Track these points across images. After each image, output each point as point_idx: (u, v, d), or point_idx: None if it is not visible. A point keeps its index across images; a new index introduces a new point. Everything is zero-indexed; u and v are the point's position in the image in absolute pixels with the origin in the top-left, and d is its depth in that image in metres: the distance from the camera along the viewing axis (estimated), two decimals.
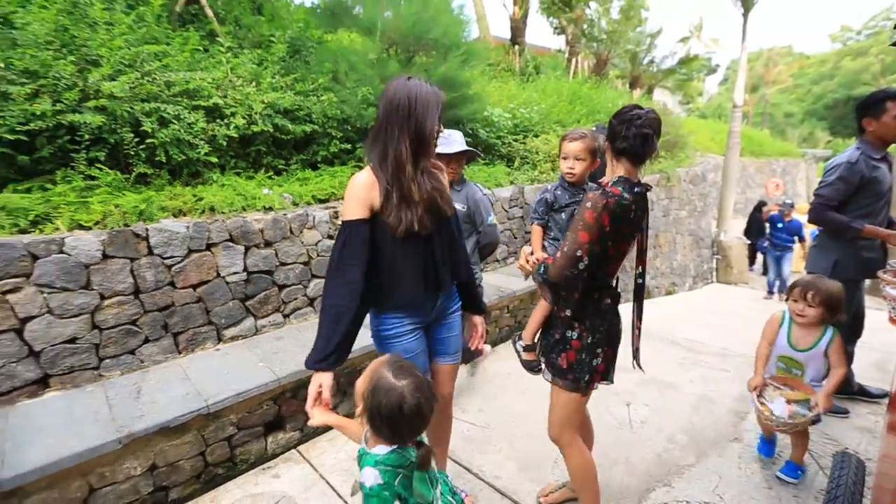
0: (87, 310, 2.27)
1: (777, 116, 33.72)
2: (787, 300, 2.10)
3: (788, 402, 1.98)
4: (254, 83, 3.48)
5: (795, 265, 6.93)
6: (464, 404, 2.89)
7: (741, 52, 11.81)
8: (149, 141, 2.72)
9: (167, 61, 3.02)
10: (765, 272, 7.82)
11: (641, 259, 1.68)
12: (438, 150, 1.96)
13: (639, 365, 1.78)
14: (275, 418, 2.44)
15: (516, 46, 10.17)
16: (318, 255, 3.13)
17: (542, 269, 1.54)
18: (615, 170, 1.54)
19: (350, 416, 1.39)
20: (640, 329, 1.75)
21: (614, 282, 1.65)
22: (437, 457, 1.81)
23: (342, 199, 2.97)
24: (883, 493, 1.21)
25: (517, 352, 1.84)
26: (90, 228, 2.36)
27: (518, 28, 10.33)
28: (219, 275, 2.69)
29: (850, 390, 2.75)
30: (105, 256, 2.31)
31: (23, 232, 2.23)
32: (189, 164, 2.97)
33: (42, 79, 2.50)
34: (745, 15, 11.53)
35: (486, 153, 5.22)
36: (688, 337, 4.09)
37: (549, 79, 9.05)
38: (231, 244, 2.72)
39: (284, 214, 2.98)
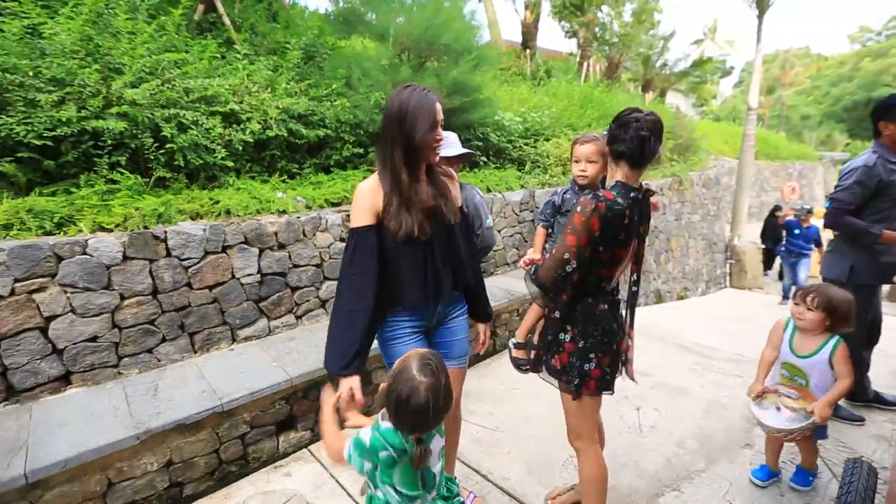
0: (108, 309, 2.35)
1: (794, 119, 33.16)
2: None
3: (785, 408, 1.93)
4: (269, 89, 3.56)
5: (813, 271, 6.80)
6: (474, 407, 2.91)
7: (756, 55, 11.67)
8: (168, 146, 2.80)
9: (186, 69, 3.12)
10: (780, 278, 7.70)
11: (637, 266, 1.65)
12: None
13: (630, 377, 1.74)
14: (287, 418, 2.49)
15: (527, 50, 10.20)
16: (330, 258, 3.18)
17: (533, 269, 1.55)
18: (614, 174, 1.53)
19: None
20: (632, 338, 1.71)
21: (612, 287, 1.61)
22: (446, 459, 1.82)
23: None
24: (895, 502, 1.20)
25: (509, 349, 1.84)
26: (111, 230, 2.43)
27: (529, 32, 10.36)
28: (234, 276, 2.75)
29: (865, 398, 2.70)
30: (125, 258, 2.39)
31: (48, 234, 2.31)
32: (206, 168, 3.05)
33: (68, 86, 2.59)
34: (760, 17, 11.40)
35: (496, 157, 5.25)
36: (700, 342, 4.05)
37: (560, 82, 9.06)
38: (246, 246, 2.78)
39: (298, 217, 3.03)
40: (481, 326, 1.85)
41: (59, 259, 2.21)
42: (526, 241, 4.74)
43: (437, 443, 1.24)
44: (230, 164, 3.11)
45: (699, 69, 15.84)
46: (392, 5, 4.69)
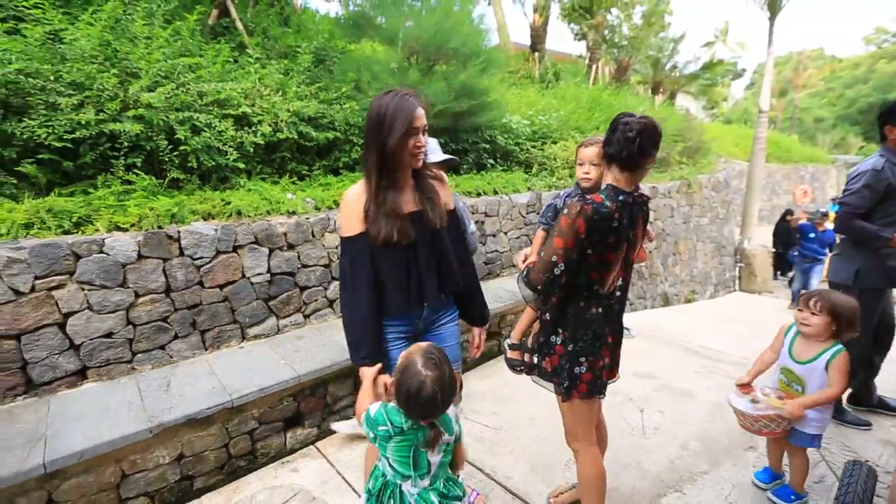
0: (123, 306, 2.42)
1: (807, 121, 32.73)
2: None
3: (762, 402, 1.93)
4: (280, 92, 3.63)
5: (825, 276, 6.70)
6: (478, 407, 2.94)
7: (767, 57, 11.58)
8: (182, 148, 2.88)
9: (200, 73, 3.20)
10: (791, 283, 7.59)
11: (624, 271, 1.61)
12: None
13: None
14: (294, 414, 2.54)
15: (536, 53, 10.22)
16: (338, 258, 3.24)
17: (526, 272, 1.56)
18: (606, 177, 1.54)
19: None
20: (613, 341, 1.68)
21: (606, 291, 1.58)
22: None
23: None
24: None
25: (504, 350, 1.86)
26: (127, 230, 2.51)
27: (538, 35, 10.38)
28: (244, 275, 2.81)
29: (870, 402, 2.68)
30: (140, 256, 2.46)
31: (66, 233, 2.39)
32: (218, 169, 3.12)
33: (87, 90, 2.68)
34: (772, 19, 11.31)
35: (504, 159, 5.28)
36: (706, 345, 4.04)
37: (568, 85, 9.06)
38: (256, 246, 2.85)
39: (307, 218, 3.09)
40: (476, 330, 1.84)
41: (77, 257, 2.28)
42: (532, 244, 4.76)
43: (444, 437, 1.29)
44: (241, 165, 3.18)
45: (710, 71, 15.68)
46: (402, 9, 4.76)
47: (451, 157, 2.41)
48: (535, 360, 1.72)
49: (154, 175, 2.86)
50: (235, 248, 2.78)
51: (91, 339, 2.34)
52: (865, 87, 33.95)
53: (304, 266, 3.09)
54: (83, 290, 2.30)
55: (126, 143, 2.73)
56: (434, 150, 2.29)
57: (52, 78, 2.64)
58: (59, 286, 2.24)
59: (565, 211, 1.46)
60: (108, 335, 2.39)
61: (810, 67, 33.10)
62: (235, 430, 2.32)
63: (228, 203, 2.91)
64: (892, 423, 2.64)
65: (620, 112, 1.51)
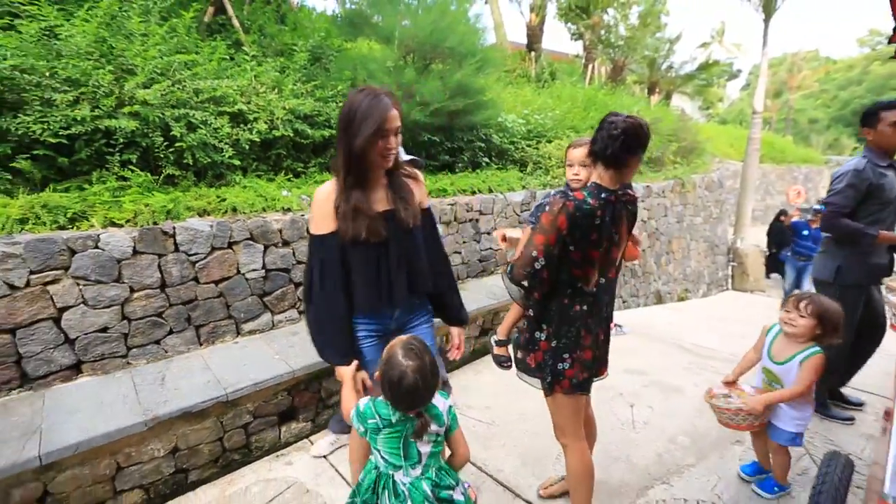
0: (118, 301, 2.44)
1: (801, 122, 32.97)
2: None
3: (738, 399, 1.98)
4: (276, 90, 3.64)
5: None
6: (471, 401, 2.98)
7: (762, 58, 11.68)
8: (177, 144, 2.89)
9: (196, 70, 3.21)
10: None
11: (604, 268, 1.62)
12: None
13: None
14: (288, 409, 2.57)
15: (532, 53, 10.25)
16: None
17: (510, 268, 1.57)
18: (592, 175, 1.55)
19: None
20: (600, 339, 1.70)
21: (591, 289, 1.59)
22: None
23: None
24: (871, 496, 1.25)
25: (491, 346, 1.87)
26: (122, 226, 2.52)
27: (534, 35, 10.42)
28: (239, 272, 2.83)
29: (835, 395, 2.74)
30: (135, 252, 2.47)
31: (61, 228, 2.40)
32: (214, 166, 3.13)
33: (83, 87, 2.69)
34: (767, 20, 11.41)
35: (499, 158, 5.31)
36: (697, 342, 4.09)
37: (564, 85, 9.11)
38: (251, 243, 2.87)
39: (302, 215, 3.12)
40: (455, 331, 1.83)
41: (73, 252, 2.30)
42: None
43: (431, 427, 1.32)
44: (237, 162, 3.19)
45: (705, 72, 15.77)
46: (398, 8, 4.78)
47: (413, 157, 2.37)
48: (522, 355, 1.73)
49: (149, 171, 2.87)
50: (230, 245, 2.80)
51: (86, 334, 2.36)
52: (859, 88, 34.23)
53: (299, 262, 3.11)
54: (78, 285, 2.32)
55: (121, 140, 2.74)
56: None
57: (47, 74, 2.65)
58: (55, 281, 2.26)
59: (547, 208, 1.48)
60: (103, 330, 2.41)
61: (805, 69, 33.27)
62: (230, 424, 2.34)
63: (224, 200, 2.92)
64: (874, 417, 2.70)
65: (610, 112, 1.53)
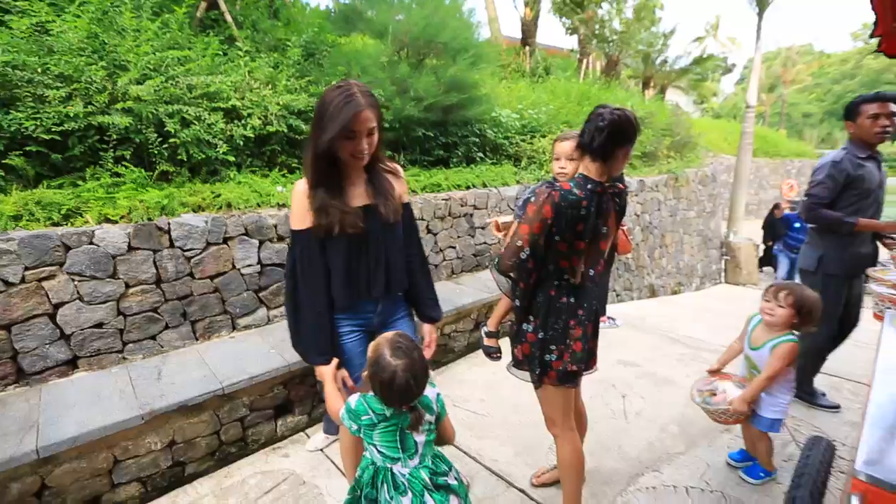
0: (114, 297, 2.45)
1: (795, 116, 33.16)
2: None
3: (720, 393, 2.03)
4: (270, 85, 3.64)
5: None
6: (466, 394, 3.02)
7: (755, 52, 11.72)
8: (171, 141, 2.89)
9: (190, 66, 3.21)
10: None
11: (594, 259, 1.62)
12: None
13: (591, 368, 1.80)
14: (284, 402, 2.59)
15: (527, 47, 10.25)
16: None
17: (497, 259, 1.58)
18: (582, 168, 1.56)
19: None
20: (588, 332, 1.70)
21: (579, 281, 1.60)
22: None
23: None
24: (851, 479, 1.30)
25: (481, 337, 1.89)
26: (117, 222, 2.53)
27: (529, 29, 10.41)
28: (234, 267, 2.85)
29: (808, 391, 2.79)
30: (130, 248, 2.48)
31: (55, 224, 2.40)
32: (208, 162, 3.14)
33: (75, 83, 2.68)
34: (760, 14, 11.45)
35: (493, 153, 5.33)
36: (689, 334, 4.14)
37: (559, 80, 9.12)
38: (246, 238, 2.88)
39: None
40: (426, 328, 1.81)
41: (67, 248, 2.31)
42: None
43: (426, 416, 1.34)
44: (231, 158, 3.20)
45: (700, 66, 15.82)
46: (392, 3, 4.79)
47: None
48: (512, 348, 1.73)
49: (143, 168, 2.87)
50: (226, 240, 2.81)
51: (82, 330, 2.37)
52: (852, 82, 34.44)
53: None
54: (73, 280, 2.33)
55: (115, 136, 2.74)
56: None
57: (39, 70, 2.64)
58: (50, 277, 2.27)
59: (532, 198, 1.49)
60: (99, 325, 2.42)
61: (799, 63, 33.42)
62: (226, 417, 2.37)
63: (218, 195, 2.93)
64: (860, 405, 2.76)
65: (599, 104, 1.53)
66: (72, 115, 2.59)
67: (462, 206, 4.16)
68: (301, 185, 1.49)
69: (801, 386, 2.77)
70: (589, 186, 1.50)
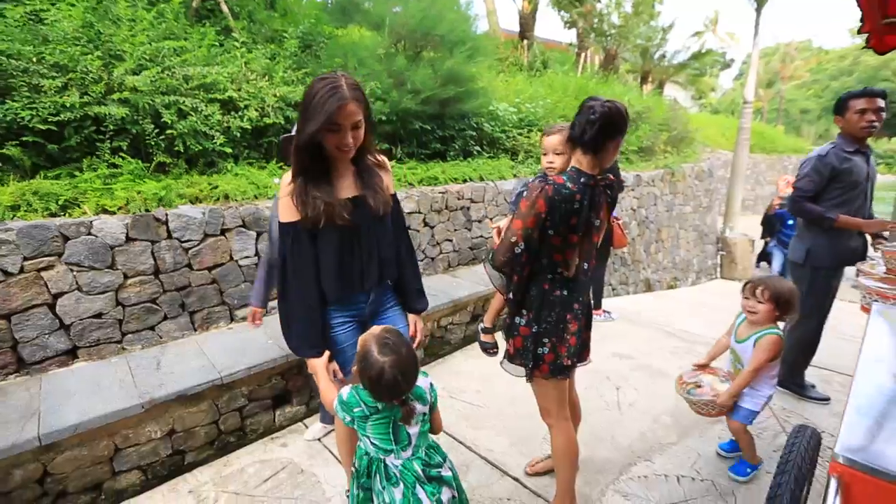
0: (112, 288, 2.46)
1: (793, 112, 33.22)
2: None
3: (705, 386, 2.06)
4: (266, 77, 3.64)
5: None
6: (463, 385, 3.05)
7: (753, 48, 11.72)
8: (168, 132, 2.89)
9: (186, 56, 3.20)
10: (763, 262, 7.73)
11: (587, 252, 1.63)
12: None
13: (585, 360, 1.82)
14: (282, 392, 2.62)
15: (525, 41, 10.21)
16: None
17: (491, 255, 1.57)
18: (574, 161, 1.56)
19: None
20: (582, 325, 1.70)
21: (572, 274, 1.60)
22: None
23: None
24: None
25: (478, 333, 1.90)
26: (114, 213, 2.54)
27: (527, 23, 10.37)
28: (232, 258, 2.86)
29: (800, 383, 2.84)
30: (128, 239, 2.49)
31: (53, 215, 2.41)
32: (205, 154, 3.14)
33: (71, 73, 2.68)
34: (758, 10, 11.43)
35: (490, 147, 5.34)
36: (684, 328, 4.18)
37: (556, 73, 9.10)
38: (244, 230, 2.89)
39: None
40: (411, 318, 1.81)
41: (66, 239, 2.31)
42: None
43: (417, 408, 1.34)
44: (228, 150, 3.20)
45: (698, 61, 15.79)
46: None
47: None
48: (506, 342, 1.74)
49: (140, 159, 2.88)
50: (223, 232, 2.82)
51: (81, 320, 2.39)
52: (850, 79, 34.49)
53: None
54: (72, 271, 2.34)
55: (111, 127, 2.74)
56: None
57: (34, 59, 2.63)
58: (48, 267, 2.27)
59: (525, 193, 1.49)
60: (98, 315, 2.44)
61: (797, 59, 33.41)
62: (225, 407, 2.39)
63: (216, 187, 2.94)
64: None
65: (589, 97, 1.53)
66: (68, 105, 2.59)
67: (459, 199, 4.18)
68: (288, 178, 1.48)
69: (792, 378, 2.82)
70: (582, 180, 1.51)
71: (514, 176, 4.93)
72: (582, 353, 1.79)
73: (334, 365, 1.58)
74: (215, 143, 3.09)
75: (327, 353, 1.56)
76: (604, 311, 4.29)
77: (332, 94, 1.31)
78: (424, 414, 1.36)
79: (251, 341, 2.67)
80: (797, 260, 2.69)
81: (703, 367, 2.19)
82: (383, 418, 1.30)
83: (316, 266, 1.51)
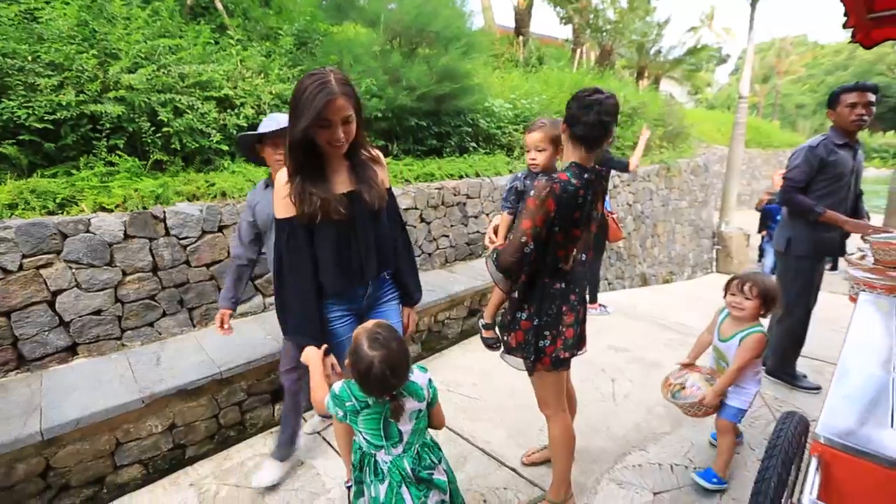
0: (111, 284, 2.48)
1: (788, 107, 33.31)
2: (725, 296, 2.05)
3: (690, 387, 2.06)
4: (262, 74, 3.64)
5: None
6: (460, 379, 3.08)
7: (748, 43, 11.74)
8: (164, 130, 2.90)
9: (181, 54, 3.21)
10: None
11: (585, 244, 1.64)
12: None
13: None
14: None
15: (520, 37, 10.21)
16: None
17: (495, 255, 1.56)
18: (569, 154, 1.57)
19: None
20: (579, 316, 1.72)
21: (568, 267, 1.63)
22: None
23: None
24: None
25: (479, 329, 1.91)
26: (112, 210, 2.55)
27: (522, 19, 10.36)
28: (229, 255, 2.88)
29: (791, 372, 2.88)
30: (126, 236, 2.51)
31: (51, 213, 2.42)
32: (201, 151, 3.15)
33: (66, 71, 2.69)
34: (753, 5, 11.45)
35: (486, 143, 5.36)
36: (678, 321, 4.23)
37: (552, 69, 9.12)
38: None
39: None
40: (405, 310, 1.84)
41: (64, 237, 2.33)
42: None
43: (411, 404, 1.33)
44: (225, 147, 3.21)
45: (694, 56, 15.81)
46: None
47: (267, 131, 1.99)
48: (504, 337, 1.76)
49: (137, 157, 2.89)
50: (221, 228, 2.84)
51: (80, 317, 2.41)
52: (846, 73, 34.62)
53: None
54: (71, 268, 2.36)
55: (108, 125, 2.75)
56: (280, 121, 1.97)
57: (29, 58, 2.64)
58: (47, 265, 2.29)
59: (532, 193, 1.48)
60: (97, 312, 2.46)
61: (793, 54, 33.50)
62: (225, 402, 2.42)
63: (213, 184, 2.96)
64: None
65: (585, 88, 1.51)
66: (64, 103, 2.60)
67: (455, 195, 4.20)
68: (283, 174, 1.50)
69: (784, 368, 2.87)
70: (585, 175, 1.52)
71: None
72: (579, 344, 1.82)
73: (332, 359, 1.58)
74: (212, 140, 3.10)
75: (325, 346, 1.55)
76: (599, 305, 4.33)
77: (320, 89, 1.32)
78: (420, 411, 1.35)
79: (250, 337, 2.70)
80: (780, 248, 2.78)
81: (687, 366, 2.19)
82: (374, 413, 1.29)
83: (313, 261, 1.52)
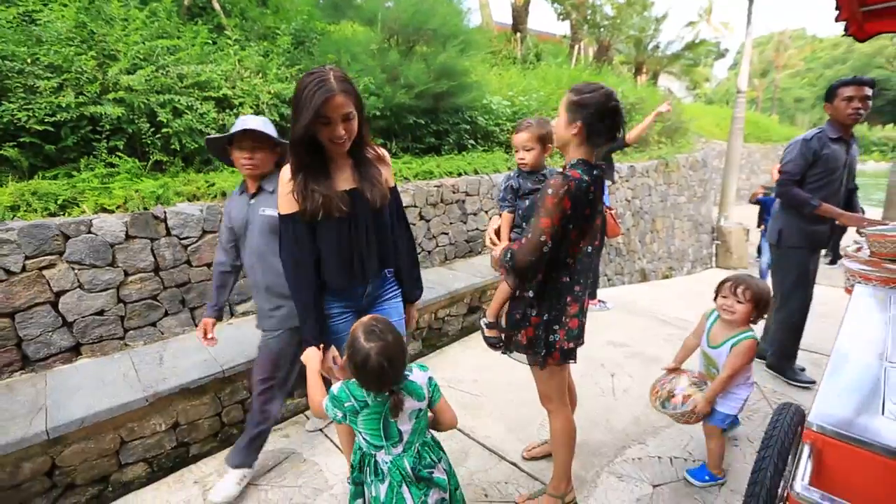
0: (113, 285, 2.50)
1: (787, 101, 33.28)
2: (715, 298, 2.00)
3: (679, 395, 2.03)
4: (260, 74, 3.66)
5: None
6: (460, 375, 3.11)
7: (746, 37, 11.71)
8: (164, 130, 2.92)
9: (180, 55, 3.22)
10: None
11: (592, 237, 1.65)
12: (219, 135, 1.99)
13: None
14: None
15: (518, 34, 10.21)
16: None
17: (509, 256, 1.54)
18: (575, 152, 1.57)
19: None
20: (582, 308, 1.72)
21: (572, 260, 1.64)
22: None
23: None
24: None
25: (481, 328, 1.88)
26: (113, 211, 2.57)
27: (520, 15, 10.36)
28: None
29: (791, 367, 2.90)
30: (128, 237, 2.53)
31: (52, 215, 2.44)
32: (201, 151, 3.17)
33: (66, 73, 2.70)
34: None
35: (484, 140, 5.37)
36: (678, 316, 4.25)
37: (550, 66, 9.12)
38: None
39: None
40: (406, 307, 1.84)
41: (66, 238, 2.35)
42: None
43: (410, 404, 1.33)
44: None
45: (692, 52, 15.79)
46: None
47: (255, 129, 1.88)
48: (513, 336, 1.75)
49: (137, 158, 2.91)
50: None
51: (83, 317, 2.42)
52: (844, 67, 34.58)
53: None
54: (73, 269, 2.38)
55: (108, 126, 2.76)
56: (252, 124, 1.89)
57: (28, 61, 2.65)
58: (50, 266, 2.31)
59: (550, 191, 1.48)
60: (100, 313, 2.47)
61: (791, 47, 33.46)
62: (228, 400, 2.44)
63: (212, 184, 2.97)
64: None
65: (592, 85, 1.53)
66: (63, 105, 2.61)
67: (454, 192, 4.22)
68: (287, 171, 1.51)
69: (783, 362, 2.89)
70: (595, 172, 1.55)
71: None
72: (581, 334, 1.83)
73: (333, 351, 1.59)
74: None
75: (327, 351, 1.56)
76: (599, 301, 4.35)
77: (319, 87, 1.33)
78: (420, 410, 1.34)
79: (251, 336, 2.70)
80: (772, 241, 2.81)
81: (674, 370, 2.16)
82: (373, 413, 1.29)
83: (314, 258, 1.54)
